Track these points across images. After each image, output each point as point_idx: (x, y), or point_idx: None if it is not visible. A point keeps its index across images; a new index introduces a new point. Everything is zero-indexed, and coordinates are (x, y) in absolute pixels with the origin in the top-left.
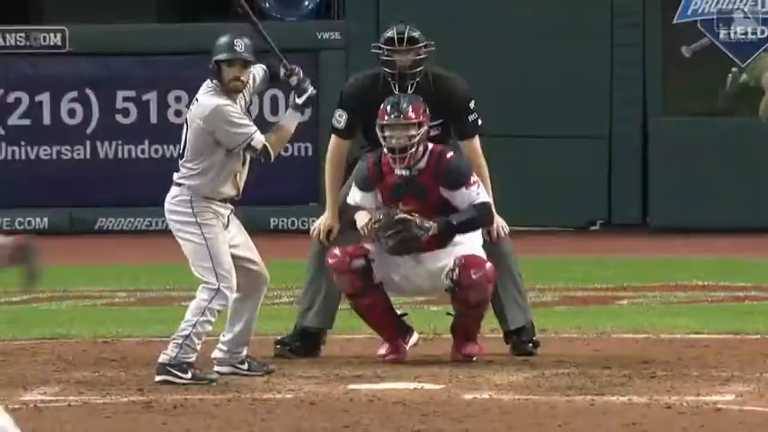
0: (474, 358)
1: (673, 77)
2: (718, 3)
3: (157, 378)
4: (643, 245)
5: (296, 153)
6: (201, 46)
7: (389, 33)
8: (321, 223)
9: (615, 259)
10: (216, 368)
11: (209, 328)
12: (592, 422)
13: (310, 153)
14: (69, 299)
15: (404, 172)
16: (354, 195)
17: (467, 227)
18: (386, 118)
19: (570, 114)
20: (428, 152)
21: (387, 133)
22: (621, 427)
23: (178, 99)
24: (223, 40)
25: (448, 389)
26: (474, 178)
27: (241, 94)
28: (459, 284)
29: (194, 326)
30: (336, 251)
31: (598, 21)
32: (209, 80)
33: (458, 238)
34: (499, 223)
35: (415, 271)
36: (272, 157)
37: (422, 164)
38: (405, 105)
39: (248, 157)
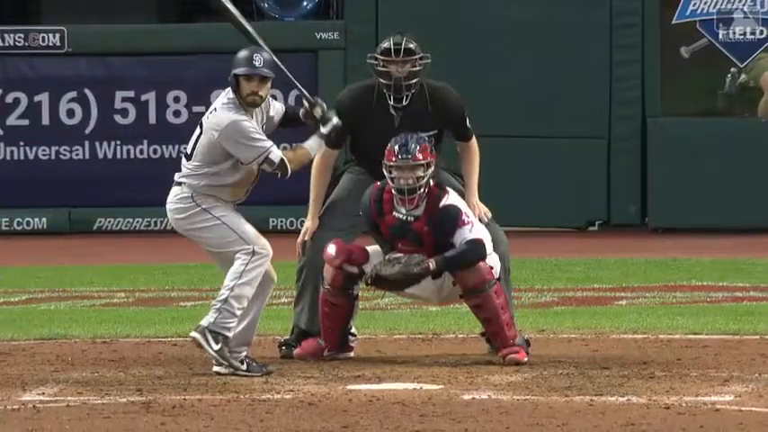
0: (525, 359)
1: (672, 78)
2: (717, 3)
3: (192, 334)
4: (642, 245)
5: None
6: (200, 46)
7: (386, 44)
8: (304, 230)
9: (614, 260)
10: (215, 368)
11: (249, 291)
12: (591, 422)
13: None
14: (68, 299)
15: (401, 216)
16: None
17: (461, 263)
18: (393, 159)
19: (569, 115)
20: (427, 195)
21: (394, 174)
22: (620, 427)
23: (177, 99)
24: (243, 53)
25: (447, 389)
26: (464, 217)
27: (259, 109)
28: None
29: (232, 289)
30: (336, 247)
31: (597, 21)
32: (229, 90)
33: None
34: (481, 210)
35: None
36: (289, 173)
37: (419, 210)
38: (413, 146)
39: (261, 170)
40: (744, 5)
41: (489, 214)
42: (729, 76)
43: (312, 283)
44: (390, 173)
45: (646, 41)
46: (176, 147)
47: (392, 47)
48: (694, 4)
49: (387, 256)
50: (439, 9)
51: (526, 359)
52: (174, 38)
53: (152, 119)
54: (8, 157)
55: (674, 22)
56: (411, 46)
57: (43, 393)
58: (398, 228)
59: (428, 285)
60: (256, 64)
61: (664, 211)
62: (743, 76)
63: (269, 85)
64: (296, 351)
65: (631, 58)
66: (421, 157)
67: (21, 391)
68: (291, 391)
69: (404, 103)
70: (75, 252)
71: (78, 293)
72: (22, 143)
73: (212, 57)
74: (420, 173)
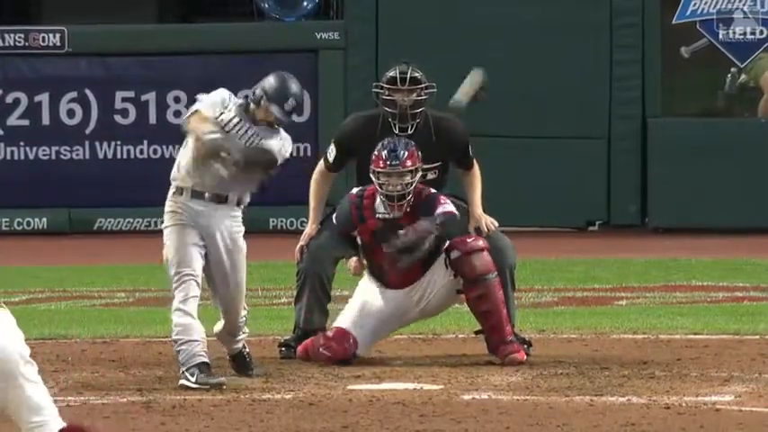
0: (525, 358)
1: (672, 78)
2: (717, 3)
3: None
4: (642, 245)
5: (295, 153)
6: (201, 46)
7: (392, 73)
8: (303, 236)
9: (614, 260)
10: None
11: (176, 317)
12: (591, 422)
13: (309, 153)
14: (68, 299)
15: (387, 215)
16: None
17: (450, 221)
18: (381, 165)
19: (569, 115)
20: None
21: (382, 180)
22: (620, 427)
23: (177, 99)
24: (282, 86)
25: (447, 389)
26: (441, 199)
27: (246, 122)
28: (460, 259)
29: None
30: (325, 350)
31: (597, 21)
32: (244, 98)
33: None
34: (487, 220)
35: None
36: (189, 131)
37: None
38: (401, 152)
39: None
40: (744, 5)
41: (495, 224)
42: (729, 76)
43: (309, 286)
44: (378, 179)
45: (646, 41)
46: (176, 147)
47: (398, 76)
48: (694, 5)
49: (390, 242)
50: (439, 9)
51: (525, 358)
52: (174, 38)
53: (152, 119)
54: (8, 158)
55: (674, 22)
56: (417, 75)
57: None
58: (384, 227)
59: (405, 299)
60: (287, 109)
61: (664, 211)
62: (743, 77)
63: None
64: (299, 351)
65: (631, 58)
66: (410, 164)
67: None
68: (292, 391)
69: (409, 131)
70: (76, 252)
71: (78, 293)
72: (22, 143)
73: (212, 57)
74: (408, 179)
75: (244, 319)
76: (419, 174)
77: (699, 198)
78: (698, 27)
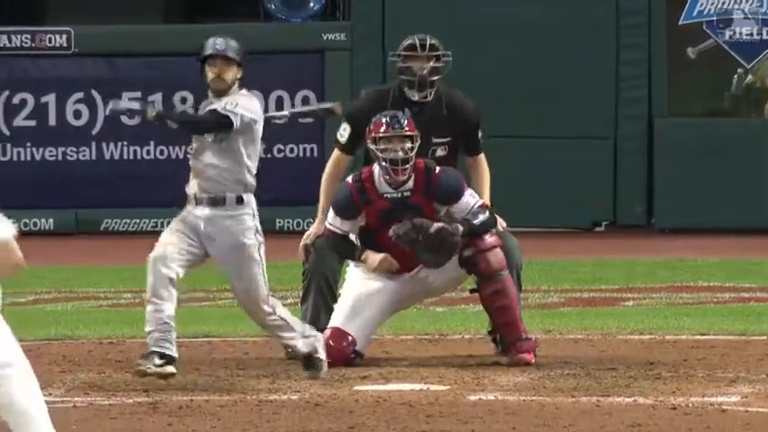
0: (533, 360)
1: (678, 78)
2: (723, 4)
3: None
4: (648, 246)
5: (301, 154)
6: None
7: (410, 40)
8: (308, 233)
9: (620, 260)
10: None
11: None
12: (597, 423)
13: (316, 154)
14: (75, 300)
15: (396, 194)
16: (335, 222)
17: (484, 227)
18: (383, 130)
19: (575, 115)
20: (414, 169)
21: (383, 146)
22: (627, 427)
23: (184, 100)
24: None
25: (453, 390)
26: (465, 186)
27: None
28: (474, 256)
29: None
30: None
31: (603, 21)
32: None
33: None
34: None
35: (429, 277)
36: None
37: (410, 184)
38: (402, 119)
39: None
40: (746, 6)
41: (504, 224)
42: (736, 76)
43: (315, 285)
44: (378, 144)
45: (652, 42)
46: (183, 148)
47: (417, 42)
48: (701, 5)
49: (406, 226)
50: (445, 9)
51: (533, 360)
52: (179, 38)
53: None
54: (15, 158)
55: (680, 22)
56: (434, 42)
57: (50, 394)
58: (395, 208)
59: (440, 279)
60: (218, 47)
61: (670, 212)
62: (749, 77)
63: (233, 67)
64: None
65: (638, 58)
66: (409, 130)
67: None
68: (298, 391)
69: (427, 98)
70: (82, 253)
71: (85, 294)
72: (28, 144)
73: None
74: (409, 144)
75: (274, 318)
76: (417, 143)
77: (705, 198)
78: (704, 28)
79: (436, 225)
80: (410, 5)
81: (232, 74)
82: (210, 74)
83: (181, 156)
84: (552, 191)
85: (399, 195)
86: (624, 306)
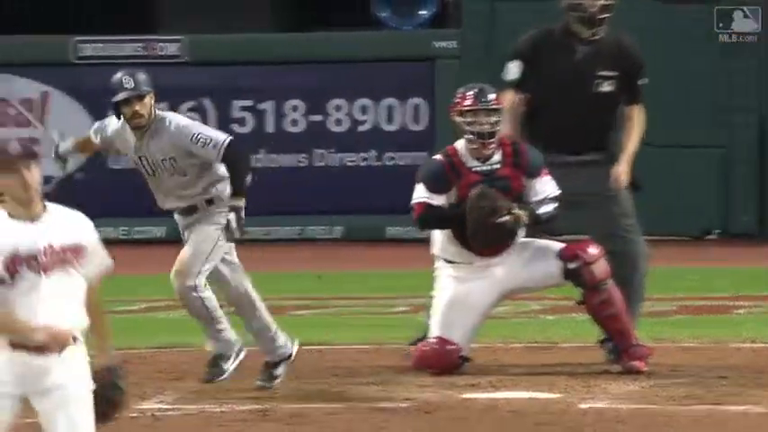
0: (645, 369)
1: None
2: None
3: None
4: (759, 254)
5: (410, 162)
6: (316, 55)
7: None
8: None
9: (731, 269)
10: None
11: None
12: None
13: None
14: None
15: (485, 168)
16: (428, 196)
17: (547, 220)
18: (469, 103)
19: (687, 123)
20: (500, 144)
21: (470, 119)
22: None
23: (294, 108)
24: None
25: (563, 398)
26: (545, 171)
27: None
28: (580, 269)
29: None
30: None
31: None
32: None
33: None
34: (620, 175)
35: (511, 269)
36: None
37: (497, 156)
38: (489, 94)
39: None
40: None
41: (625, 182)
42: None
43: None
44: (465, 117)
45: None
46: (294, 156)
47: None
48: None
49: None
50: (557, 18)
51: (645, 368)
52: (289, 47)
53: (270, 128)
54: (128, 167)
55: None
56: None
57: (161, 402)
58: (484, 180)
59: (491, 281)
60: (128, 87)
61: None
62: None
63: (146, 100)
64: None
65: (750, 66)
66: (496, 103)
67: (139, 399)
68: (408, 399)
69: (597, 36)
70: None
71: None
72: None
73: (328, 65)
74: (495, 117)
75: (195, 297)
76: (502, 117)
77: None
78: None
79: (505, 209)
80: (519, 13)
81: (148, 105)
82: (128, 113)
83: (293, 164)
84: (663, 198)
85: (489, 168)
86: (736, 314)
